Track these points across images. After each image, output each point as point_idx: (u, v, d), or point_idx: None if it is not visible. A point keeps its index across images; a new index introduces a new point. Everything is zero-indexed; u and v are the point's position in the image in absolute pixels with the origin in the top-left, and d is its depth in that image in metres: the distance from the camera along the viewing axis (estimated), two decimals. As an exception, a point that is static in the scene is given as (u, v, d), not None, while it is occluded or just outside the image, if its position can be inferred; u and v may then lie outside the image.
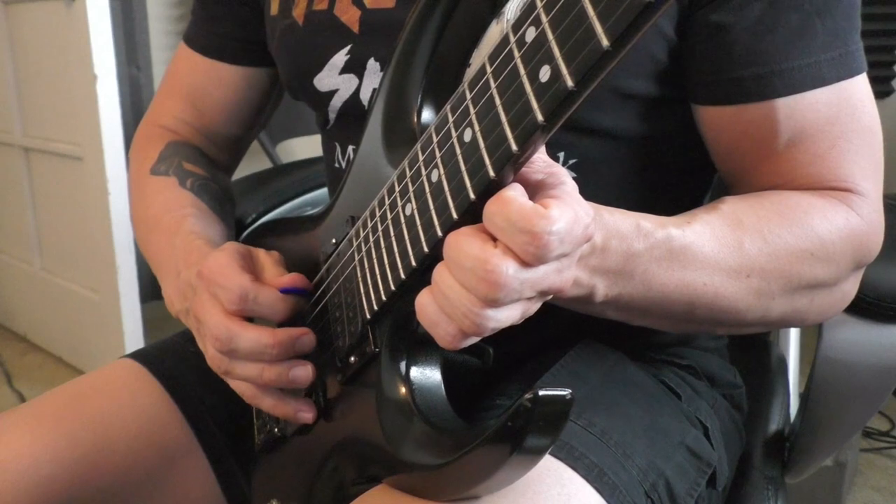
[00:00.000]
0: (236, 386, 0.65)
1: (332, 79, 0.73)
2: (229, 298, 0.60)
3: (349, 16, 0.71)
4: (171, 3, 2.36)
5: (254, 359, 0.61)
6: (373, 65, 0.70)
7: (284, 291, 0.63)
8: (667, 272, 0.56)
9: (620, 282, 0.55)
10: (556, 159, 0.66)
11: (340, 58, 0.72)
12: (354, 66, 0.71)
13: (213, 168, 0.87)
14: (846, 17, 0.61)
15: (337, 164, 0.78)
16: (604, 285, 0.55)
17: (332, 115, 0.76)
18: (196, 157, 0.86)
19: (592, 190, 0.53)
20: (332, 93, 0.74)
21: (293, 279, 0.64)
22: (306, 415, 0.64)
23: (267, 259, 0.66)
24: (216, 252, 0.64)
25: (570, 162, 0.66)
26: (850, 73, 0.62)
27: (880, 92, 2.30)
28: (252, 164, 1.48)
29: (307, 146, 2.35)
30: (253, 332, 0.60)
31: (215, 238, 0.75)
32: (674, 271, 0.56)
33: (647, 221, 0.56)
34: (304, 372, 0.62)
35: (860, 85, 0.62)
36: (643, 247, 0.55)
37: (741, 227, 0.59)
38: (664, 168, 0.70)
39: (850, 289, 0.65)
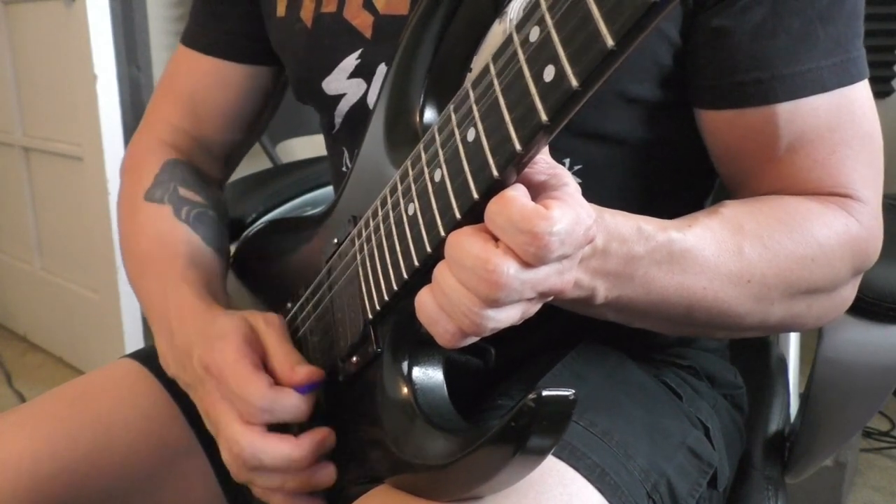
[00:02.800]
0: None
1: (341, 83, 0.73)
2: (250, 412, 0.59)
3: (361, 20, 0.71)
4: (171, 3, 2.35)
5: (279, 471, 0.60)
6: (382, 70, 0.70)
7: (300, 391, 0.60)
8: (667, 275, 0.56)
9: (620, 284, 0.55)
10: (562, 165, 0.66)
11: (350, 62, 0.71)
12: (364, 71, 0.71)
13: (209, 190, 0.84)
14: (848, 24, 0.61)
15: (344, 168, 0.77)
16: (604, 287, 0.55)
17: (338, 120, 0.75)
18: (192, 179, 0.83)
19: (597, 194, 0.53)
20: (339, 97, 0.73)
21: (308, 375, 0.61)
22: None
23: (271, 336, 0.63)
24: (221, 342, 0.62)
25: (576, 168, 0.66)
26: (852, 80, 0.61)
27: (880, 92, 2.30)
28: (252, 164, 1.47)
29: (307, 146, 2.34)
30: (278, 448, 0.59)
31: (209, 281, 0.72)
32: (674, 275, 0.56)
33: (648, 224, 0.56)
34: (327, 476, 0.61)
35: (861, 91, 0.62)
36: (644, 250, 0.55)
37: (741, 232, 0.59)
38: (667, 172, 0.70)
39: (848, 294, 0.65)
